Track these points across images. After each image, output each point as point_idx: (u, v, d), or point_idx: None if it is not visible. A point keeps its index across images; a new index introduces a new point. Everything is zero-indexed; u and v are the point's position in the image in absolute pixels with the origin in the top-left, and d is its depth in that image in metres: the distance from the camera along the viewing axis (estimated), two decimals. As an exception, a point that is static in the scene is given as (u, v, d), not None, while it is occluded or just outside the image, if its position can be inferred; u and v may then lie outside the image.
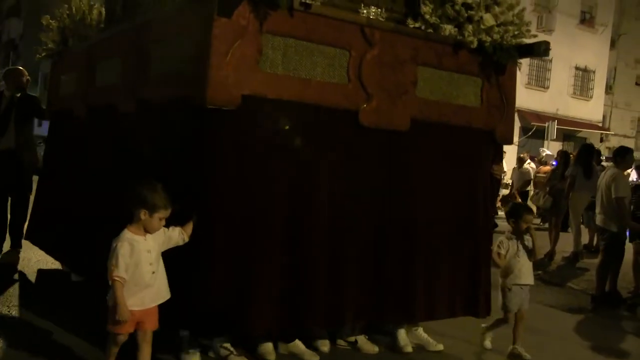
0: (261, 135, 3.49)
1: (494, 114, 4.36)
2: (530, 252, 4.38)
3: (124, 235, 3.06)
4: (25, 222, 6.36)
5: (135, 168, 4.10)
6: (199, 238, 3.32)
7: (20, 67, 6.71)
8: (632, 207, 6.96)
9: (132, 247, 3.03)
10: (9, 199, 6.32)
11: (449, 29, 4.11)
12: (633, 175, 14.40)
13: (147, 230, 3.10)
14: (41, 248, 5.94)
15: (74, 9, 5.91)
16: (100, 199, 4.54)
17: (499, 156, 4.46)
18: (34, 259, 6.23)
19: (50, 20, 5.96)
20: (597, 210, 6.98)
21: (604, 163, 12.73)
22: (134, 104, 4.22)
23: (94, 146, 4.88)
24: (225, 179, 3.42)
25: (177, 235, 3.22)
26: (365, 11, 4.01)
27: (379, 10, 4.08)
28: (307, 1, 3.51)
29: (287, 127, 3.58)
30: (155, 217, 3.13)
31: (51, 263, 5.94)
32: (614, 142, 38.40)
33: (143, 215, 3.11)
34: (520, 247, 4.37)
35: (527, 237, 4.39)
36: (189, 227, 3.27)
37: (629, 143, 42.26)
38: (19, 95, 6.30)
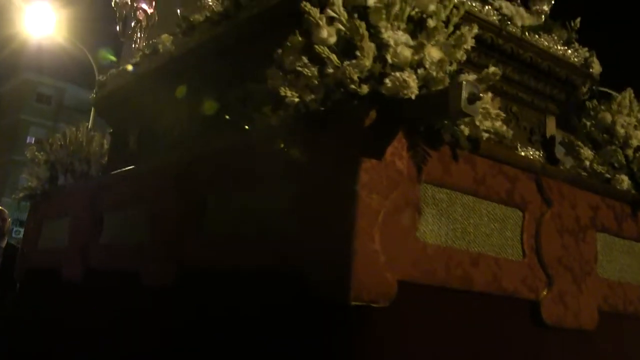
0: (411, 349, 2.15)
1: (677, 299, 3.14)
2: None
3: None
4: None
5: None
6: None
7: (0, 207, 5.29)
8: None
9: None
10: None
11: (626, 180, 2.98)
12: None
13: None
14: None
15: (67, 139, 4.63)
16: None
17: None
18: None
19: (37, 153, 4.63)
20: None
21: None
22: (173, 275, 2.84)
23: (95, 328, 3.39)
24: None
25: None
26: (523, 153, 2.86)
27: (538, 152, 2.94)
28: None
29: (446, 328, 2.25)
30: None
31: None
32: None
33: None
34: None
35: None
36: None
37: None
38: (3, 245, 4.91)
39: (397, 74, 1.99)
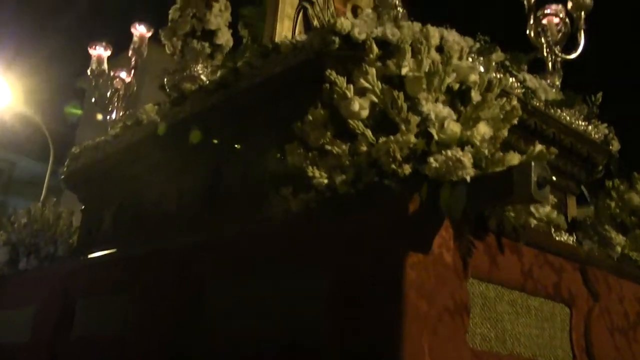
0: None
1: None
2: None
3: None
4: None
5: None
6: None
7: None
8: None
9: None
10: None
11: (665, 270, 2.72)
12: None
13: None
14: None
15: (32, 216, 4.21)
16: None
17: None
18: None
19: (-4, 231, 4.19)
20: None
21: None
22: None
23: None
24: None
25: None
26: (557, 237, 2.58)
27: (571, 237, 2.67)
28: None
29: None
30: None
31: None
32: None
33: None
34: None
35: None
36: None
37: None
38: None
39: (449, 152, 1.71)
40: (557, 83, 3.33)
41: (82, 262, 3.41)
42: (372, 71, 1.90)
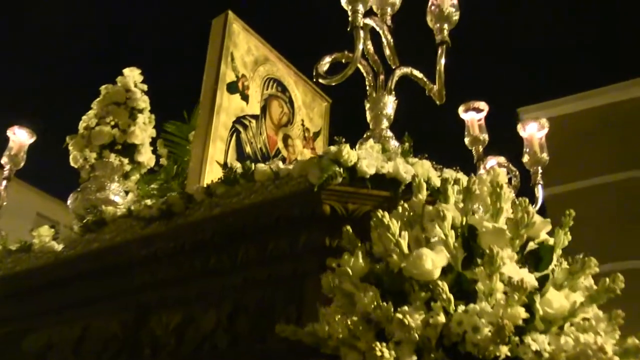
0: None
1: None
2: None
3: None
4: None
5: None
6: None
7: None
8: None
9: None
10: None
11: None
12: None
13: None
14: None
15: None
16: None
17: None
18: None
19: None
20: None
21: None
22: None
23: None
24: None
25: None
26: None
27: None
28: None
29: None
30: None
31: None
32: None
33: None
34: None
35: None
36: None
37: None
38: None
39: (583, 337, 1.27)
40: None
41: None
42: (449, 216, 1.45)
